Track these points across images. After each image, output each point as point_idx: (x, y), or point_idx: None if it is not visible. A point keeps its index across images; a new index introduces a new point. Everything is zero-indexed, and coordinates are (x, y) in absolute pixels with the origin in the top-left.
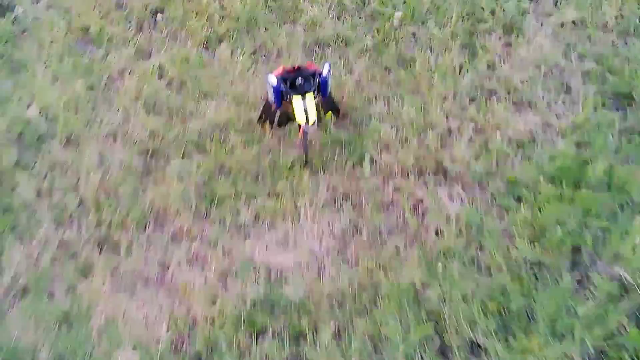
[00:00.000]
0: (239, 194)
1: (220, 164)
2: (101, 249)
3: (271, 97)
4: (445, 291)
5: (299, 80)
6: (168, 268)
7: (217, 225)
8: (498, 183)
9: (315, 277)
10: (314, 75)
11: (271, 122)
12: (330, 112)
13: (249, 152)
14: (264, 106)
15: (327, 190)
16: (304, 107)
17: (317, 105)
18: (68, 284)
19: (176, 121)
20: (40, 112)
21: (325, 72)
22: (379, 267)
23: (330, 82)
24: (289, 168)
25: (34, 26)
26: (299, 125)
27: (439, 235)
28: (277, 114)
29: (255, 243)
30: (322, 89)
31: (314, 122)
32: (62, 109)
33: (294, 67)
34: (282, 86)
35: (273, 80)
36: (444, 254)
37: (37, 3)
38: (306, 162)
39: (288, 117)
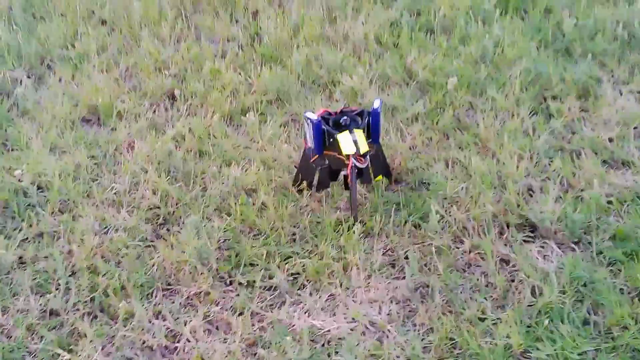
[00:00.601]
0: (271, 254)
1: (248, 224)
2: (93, 318)
3: (310, 141)
4: (557, 353)
5: (345, 119)
6: (179, 337)
7: (244, 289)
8: (601, 237)
9: (376, 345)
10: (361, 114)
11: (309, 184)
12: (380, 175)
13: (283, 212)
14: (300, 165)
15: (383, 252)
16: (353, 139)
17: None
18: (48, 356)
19: (194, 185)
20: (32, 181)
21: (376, 105)
22: (461, 331)
23: (382, 123)
24: (334, 228)
25: (34, 108)
26: (346, 161)
27: (536, 294)
28: (317, 170)
29: (294, 309)
30: (372, 129)
31: (367, 153)
32: (57, 177)
33: (336, 111)
34: (324, 125)
35: (313, 116)
36: (546, 314)
37: (38, 86)
38: (355, 215)
39: (331, 173)
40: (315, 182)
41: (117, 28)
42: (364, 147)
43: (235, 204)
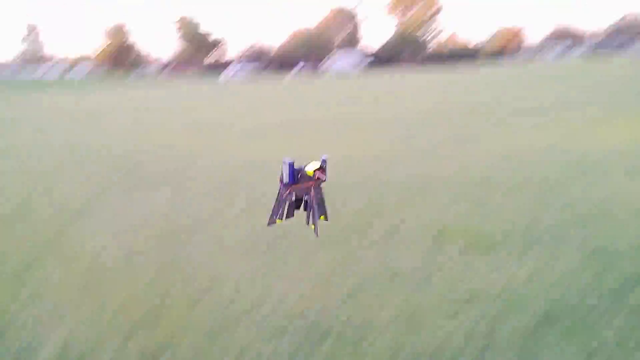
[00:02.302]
0: None
1: None
2: None
3: (285, 178)
4: None
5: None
6: None
7: None
8: None
9: None
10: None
11: (280, 215)
12: (323, 216)
13: None
14: (274, 205)
15: None
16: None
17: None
18: None
19: None
20: None
21: (325, 156)
22: None
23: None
24: None
25: None
26: (310, 182)
27: None
28: (286, 203)
29: None
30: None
31: (324, 165)
32: None
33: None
34: (297, 167)
35: (289, 159)
36: None
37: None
38: (325, 216)
39: (297, 203)
40: (285, 212)
41: None
42: (321, 166)
43: None
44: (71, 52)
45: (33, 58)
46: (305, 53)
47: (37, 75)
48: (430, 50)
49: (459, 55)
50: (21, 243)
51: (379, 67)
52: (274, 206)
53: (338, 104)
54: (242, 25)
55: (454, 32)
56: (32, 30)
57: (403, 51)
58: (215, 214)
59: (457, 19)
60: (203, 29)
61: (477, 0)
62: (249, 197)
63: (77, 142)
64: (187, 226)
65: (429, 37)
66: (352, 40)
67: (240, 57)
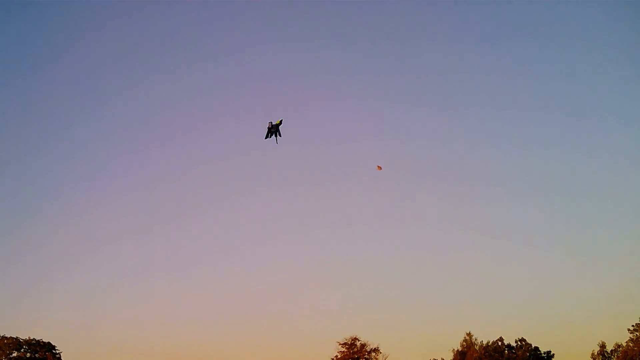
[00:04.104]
0: None
1: None
2: None
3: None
4: None
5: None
6: None
7: None
8: None
9: None
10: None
11: (267, 135)
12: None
13: None
14: (266, 133)
15: None
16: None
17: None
18: None
19: None
20: None
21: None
22: None
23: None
24: None
25: None
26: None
27: None
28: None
29: None
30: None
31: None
32: None
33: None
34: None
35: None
36: None
37: None
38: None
39: (270, 133)
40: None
41: None
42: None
43: None
44: None
45: None
46: None
47: None
48: None
49: None
50: None
51: None
52: (266, 135)
53: None
54: None
55: None
56: None
57: None
58: None
59: None
60: None
61: None
62: None
63: None
64: None
65: None
66: None
67: None
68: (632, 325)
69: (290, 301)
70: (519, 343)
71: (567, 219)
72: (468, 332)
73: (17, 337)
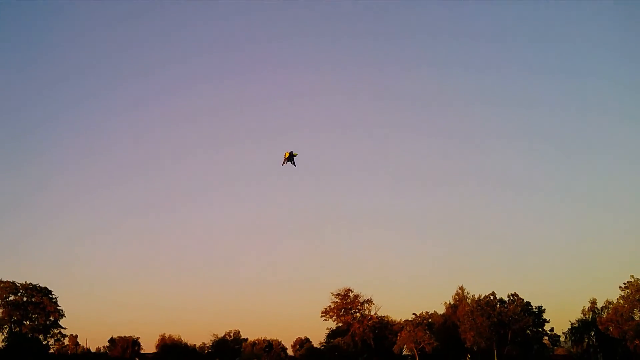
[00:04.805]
0: None
1: None
2: None
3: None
4: None
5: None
6: None
7: None
8: None
9: None
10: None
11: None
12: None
13: None
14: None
15: None
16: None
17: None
18: None
19: None
20: None
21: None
22: None
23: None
24: None
25: None
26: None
27: None
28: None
29: None
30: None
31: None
32: None
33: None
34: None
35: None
36: None
37: None
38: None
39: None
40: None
41: None
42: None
43: None
44: None
45: None
46: None
47: None
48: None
49: None
50: None
51: None
52: (282, 162)
53: None
54: None
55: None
56: None
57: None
58: None
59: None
60: None
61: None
62: None
63: None
64: None
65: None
66: None
67: None
68: (624, 283)
69: (284, 250)
70: (511, 298)
71: (567, 169)
72: (460, 286)
73: (13, 281)
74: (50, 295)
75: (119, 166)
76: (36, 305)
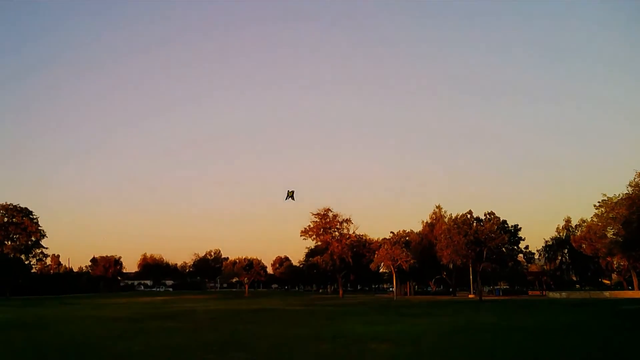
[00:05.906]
0: None
1: None
2: None
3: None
4: None
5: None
6: None
7: None
8: None
9: None
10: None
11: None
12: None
13: None
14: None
15: None
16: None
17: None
18: None
19: None
20: None
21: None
22: None
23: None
24: None
25: None
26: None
27: None
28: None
29: None
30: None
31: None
32: None
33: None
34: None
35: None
36: None
37: None
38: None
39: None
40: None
41: None
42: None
43: None
44: None
45: None
46: None
47: None
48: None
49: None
50: None
51: None
52: (286, 197)
53: None
54: None
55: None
56: None
57: None
58: None
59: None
60: None
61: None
62: None
63: None
64: None
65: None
66: None
67: None
68: (598, 202)
69: (260, 167)
70: (487, 216)
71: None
72: (438, 205)
73: None
74: (31, 216)
75: (101, 85)
76: (17, 226)
